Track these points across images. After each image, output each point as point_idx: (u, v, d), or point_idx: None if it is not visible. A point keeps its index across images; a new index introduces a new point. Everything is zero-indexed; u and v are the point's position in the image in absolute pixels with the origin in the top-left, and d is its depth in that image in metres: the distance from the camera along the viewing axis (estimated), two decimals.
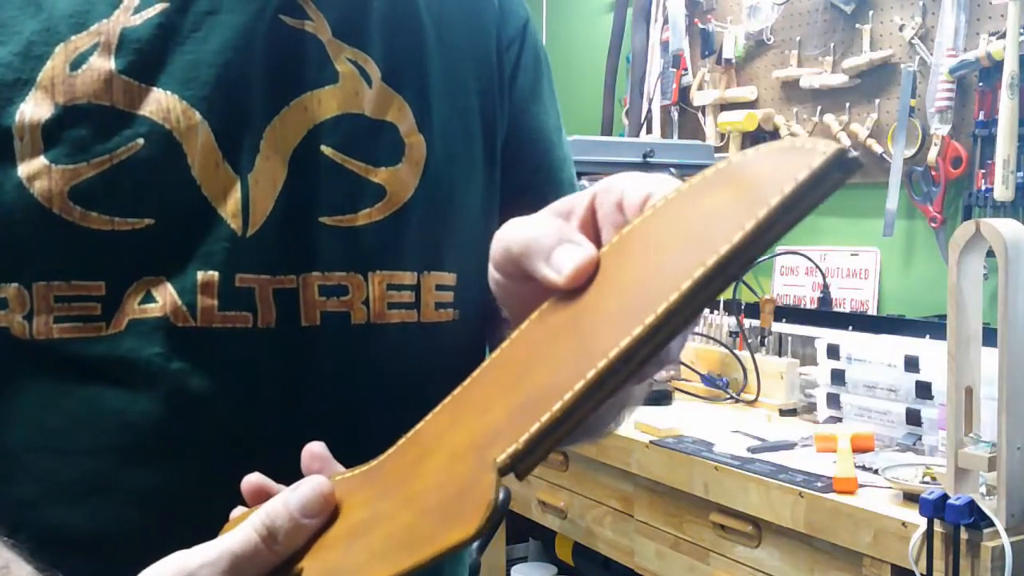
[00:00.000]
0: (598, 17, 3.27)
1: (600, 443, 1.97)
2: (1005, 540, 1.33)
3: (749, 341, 2.35)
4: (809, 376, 2.20)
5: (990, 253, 1.39)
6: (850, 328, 2.22)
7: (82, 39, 0.59)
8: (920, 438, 1.81)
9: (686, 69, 2.83)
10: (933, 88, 2.14)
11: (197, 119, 0.60)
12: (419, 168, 0.67)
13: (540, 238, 0.44)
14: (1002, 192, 1.98)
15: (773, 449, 1.83)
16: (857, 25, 2.34)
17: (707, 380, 2.33)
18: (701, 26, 2.76)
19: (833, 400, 2.02)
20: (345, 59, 0.65)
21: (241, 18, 0.62)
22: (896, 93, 2.26)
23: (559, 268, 0.43)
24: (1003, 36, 1.98)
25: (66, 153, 0.58)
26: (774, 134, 2.59)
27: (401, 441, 0.47)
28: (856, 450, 1.76)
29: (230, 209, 0.61)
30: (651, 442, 1.90)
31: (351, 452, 0.49)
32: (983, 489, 1.43)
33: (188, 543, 0.45)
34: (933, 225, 2.20)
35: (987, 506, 1.36)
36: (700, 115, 2.80)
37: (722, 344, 2.36)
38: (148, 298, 0.60)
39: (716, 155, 2.51)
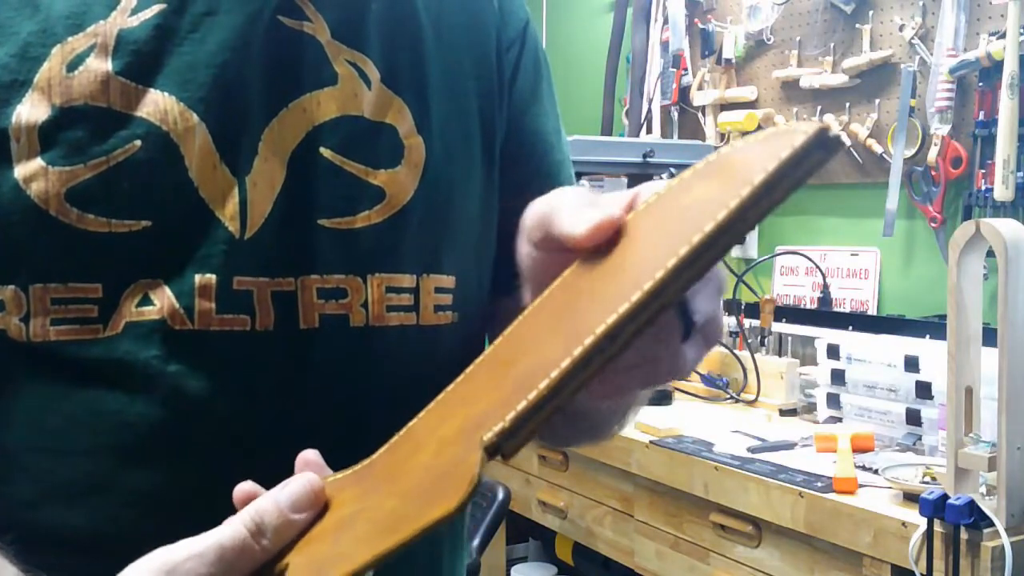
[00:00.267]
0: (598, 17, 3.27)
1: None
2: (1005, 540, 1.33)
3: (749, 341, 2.35)
4: (809, 376, 2.20)
5: (990, 253, 1.39)
6: (850, 328, 2.22)
7: (79, 40, 0.59)
8: (920, 438, 1.81)
9: (686, 69, 2.83)
10: (933, 88, 2.14)
11: (195, 120, 0.60)
12: (418, 170, 0.67)
13: (571, 200, 0.45)
14: (1002, 192, 1.98)
15: (773, 449, 1.84)
16: (857, 25, 2.34)
17: (707, 380, 2.33)
18: (701, 26, 2.76)
19: (833, 400, 2.02)
20: (344, 61, 0.65)
21: (239, 19, 0.62)
22: (896, 93, 2.26)
23: (579, 224, 0.43)
24: (1003, 36, 1.98)
25: (63, 155, 0.58)
26: None
27: (393, 439, 0.47)
28: (856, 450, 1.76)
29: (228, 211, 0.60)
30: (651, 442, 1.90)
31: (349, 455, 0.49)
32: (983, 489, 1.43)
33: None
34: (933, 225, 2.20)
35: (987, 506, 1.37)
36: (700, 115, 2.80)
37: (722, 344, 2.35)
38: (145, 301, 0.59)
39: None
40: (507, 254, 0.74)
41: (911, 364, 1.84)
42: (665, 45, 2.87)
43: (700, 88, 2.79)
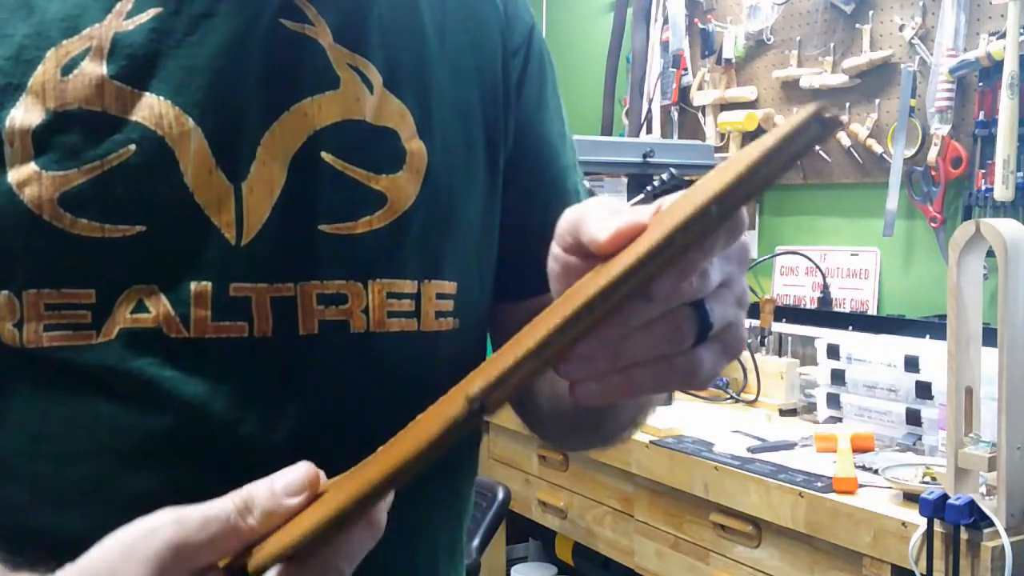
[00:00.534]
0: (598, 17, 3.26)
1: None
2: (1005, 540, 1.33)
3: (749, 341, 2.35)
4: (809, 376, 2.20)
5: (990, 253, 1.39)
6: (850, 328, 2.22)
7: (74, 44, 0.59)
8: (920, 438, 1.81)
9: (686, 69, 2.83)
10: (933, 88, 2.14)
11: (190, 125, 0.59)
12: (420, 176, 0.66)
13: (600, 208, 0.46)
14: (1002, 192, 1.98)
15: (773, 449, 1.83)
16: (857, 25, 2.34)
17: None
18: (701, 26, 2.76)
19: (833, 400, 2.02)
20: (346, 64, 0.64)
21: (237, 22, 0.61)
22: (896, 93, 2.26)
23: (603, 230, 0.44)
24: (1003, 36, 1.98)
25: (56, 159, 0.58)
26: None
27: (392, 439, 0.47)
28: (856, 450, 1.76)
29: (224, 217, 0.60)
30: (651, 442, 1.90)
31: (348, 462, 0.49)
32: (983, 489, 1.43)
33: None
34: (933, 225, 2.20)
35: (987, 506, 1.37)
36: (700, 115, 2.80)
37: None
38: (140, 307, 0.59)
39: (716, 155, 2.51)
40: (514, 260, 0.74)
41: (911, 364, 1.84)
42: (665, 45, 2.87)
43: (700, 88, 2.79)
